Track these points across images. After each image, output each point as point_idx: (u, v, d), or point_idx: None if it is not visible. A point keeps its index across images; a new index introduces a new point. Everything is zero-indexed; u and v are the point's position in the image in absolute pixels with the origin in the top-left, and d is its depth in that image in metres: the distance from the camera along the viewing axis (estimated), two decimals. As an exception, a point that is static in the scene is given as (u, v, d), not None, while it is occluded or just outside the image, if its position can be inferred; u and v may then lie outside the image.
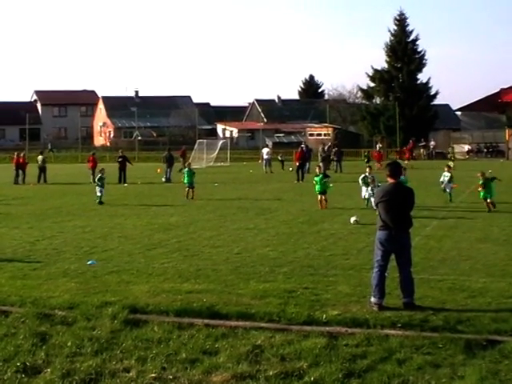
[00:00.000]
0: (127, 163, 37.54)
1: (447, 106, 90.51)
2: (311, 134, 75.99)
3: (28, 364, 7.33)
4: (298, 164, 36.90)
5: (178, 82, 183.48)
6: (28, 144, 69.67)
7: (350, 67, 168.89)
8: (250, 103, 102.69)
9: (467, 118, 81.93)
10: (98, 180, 26.04)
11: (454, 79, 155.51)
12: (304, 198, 26.28)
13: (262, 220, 19.78)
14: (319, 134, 74.16)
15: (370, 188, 21.45)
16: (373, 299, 9.38)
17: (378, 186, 19.60)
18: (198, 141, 60.15)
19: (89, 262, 13.13)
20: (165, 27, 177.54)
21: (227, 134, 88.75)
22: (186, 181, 27.53)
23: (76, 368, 7.21)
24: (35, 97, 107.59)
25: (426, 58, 75.33)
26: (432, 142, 64.27)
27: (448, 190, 23.86)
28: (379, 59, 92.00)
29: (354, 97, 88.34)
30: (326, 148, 43.59)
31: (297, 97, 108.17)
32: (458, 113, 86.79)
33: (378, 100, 78.12)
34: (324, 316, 8.74)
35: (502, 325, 8.30)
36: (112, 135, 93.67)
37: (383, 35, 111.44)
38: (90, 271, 12.24)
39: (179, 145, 57.32)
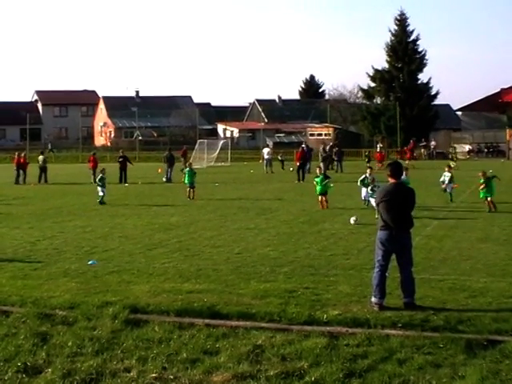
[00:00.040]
0: (128, 163, 37.54)
1: (448, 106, 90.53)
2: (312, 134, 75.95)
3: (29, 364, 7.34)
4: (298, 164, 36.88)
5: (178, 82, 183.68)
6: (29, 144, 69.69)
7: (350, 67, 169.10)
8: (250, 103, 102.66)
9: (468, 118, 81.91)
10: (99, 180, 26.05)
11: (454, 79, 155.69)
12: (305, 197, 26.28)
13: (263, 220, 19.79)
14: (320, 134, 74.14)
15: (369, 188, 21.40)
16: (373, 299, 9.38)
17: (378, 187, 19.62)
18: (198, 141, 60.15)
19: (89, 262, 13.14)
20: (165, 27, 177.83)
21: (228, 134, 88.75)
22: (186, 181, 27.54)
23: (77, 368, 7.22)
24: (36, 97, 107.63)
25: (426, 58, 75.42)
26: (433, 142, 64.25)
27: (448, 190, 23.87)
28: (380, 59, 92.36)
29: (355, 97, 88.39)
30: (327, 148, 43.59)
31: (297, 97, 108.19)
32: (459, 113, 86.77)
33: (378, 100, 78.14)
34: (325, 316, 8.74)
35: (503, 325, 8.30)
36: (113, 135, 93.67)
37: (384, 35, 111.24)
38: (90, 271, 12.24)
39: (180, 145, 57.34)
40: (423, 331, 8.14)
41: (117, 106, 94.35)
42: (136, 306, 9.31)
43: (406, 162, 44.51)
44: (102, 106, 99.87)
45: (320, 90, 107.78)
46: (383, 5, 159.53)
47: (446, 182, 24.06)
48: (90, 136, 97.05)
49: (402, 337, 7.98)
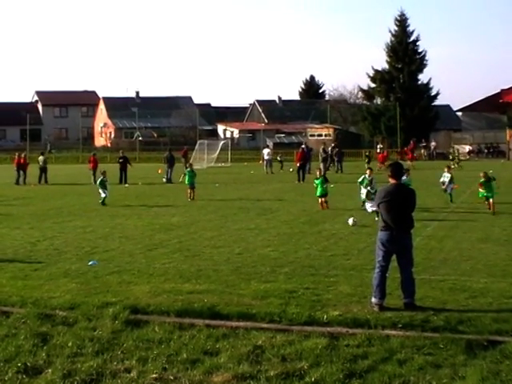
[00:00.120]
0: (128, 164, 37.48)
1: (448, 106, 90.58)
2: (312, 135, 75.97)
3: (29, 364, 7.34)
4: (298, 165, 36.88)
5: (178, 83, 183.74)
6: (29, 144, 69.71)
7: (350, 68, 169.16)
8: (250, 104, 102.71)
9: (468, 119, 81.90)
10: (100, 183, 25.93)
11: (454, 79, 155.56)
12: (305, 198, 26.28)
13: (263, 220, 19.79)
14: (320, 135, 74.15)
15: (366, 190, 21.16)
16: (374, 300, 9.38)
17: (374, 189, 19.56)
18: (198, 141, 60.17)
19: (90, 263, 13.14)
20: (165, 28, 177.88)
21: (228, 135, 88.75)
22: (187, 181, 27.56)
23: (77, 368, 7.22)
24: (36, 97, 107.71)
25: (426, 58, 75.58)
26: (433, 143, 64.25)
27: (448, 191, 23.87)
28: (380, 60, 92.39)
29: (355, 97, 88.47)
30: (328, 149, 43.58)
31: (297, 97, 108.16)
32: (459, 113, 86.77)
33: (378, 100, 78.23)
34: (325, 316, 8.74)
35: (503, 325, 8.30)
36: (113, 136, 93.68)
37: (384, 36, 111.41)
38: (91, 271, 12.24)
39: (180, 145, 57.34)
40: (423, 332, 8.14)
41: (117, 106, 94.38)
42: (136, 307, 9.31)
43: (408, 162, 44.45)
44: (102, 106, 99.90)
45: (320, 91, 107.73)
46: (383, 5, 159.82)
47: (446, 182, 24.06)
48: (90, 136, 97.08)
49: (402, 337, 7.98)
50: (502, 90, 73.12)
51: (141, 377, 7.02)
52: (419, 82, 75.76)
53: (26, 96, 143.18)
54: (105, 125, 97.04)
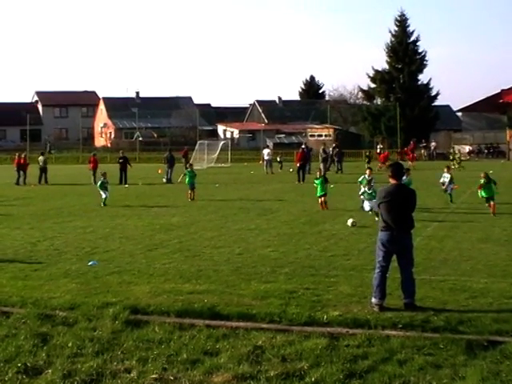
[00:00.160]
0: (127, 165, 37.46)
1: (448, 106, 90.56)
2: (312, 135, 75.93)
3: (29, 365, 7.34)
4: (298, 165, 36.87)
5: (178, 83, 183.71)
6: (29, 145, 69.69)
7: (350, 68, 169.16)
8: (250, 104, 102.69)
9: (468, 119, 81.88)
10: (101, 185, 25.86)
11: (454, 80, 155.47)
12: (305, 198, 26.28)
13: (264, 220, 19.79)
14: (320, 135, 74.12)
15: (365, 190, 21.08)
16: (374, 300, 9.38)
17: (373, 190, 19.55)
18: (198, 141, 60.15)
19: (90, 263, 13.14)
20: (165, 28, 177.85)
21: (228, 135, 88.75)
22: (187, 182, 27.55)
23: (77, 369, 7.22)
24: (36, 98, 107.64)
25: (426, 58, 75.54)
26: (433, 143, 64.24)
27: (448, 191, 23.87)
28: (380, 60, 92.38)
29: (355, 97, 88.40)
30: (329, 149, 43.58)
31: (297, 97, 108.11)
32: (459, 113, 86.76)
33: (378, 101, 78.21)
34: (325, 316, 8.74)
35: (504, 325, 8.30)
36: (113, 136, 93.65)
37: (384, 36, 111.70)
38: (91, 272, 12.24)
39: (180, 145, 57.32)
40: (424, 332, 8.14)
41: (117, 106, 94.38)
42: (136, 307, 9.31)
43: (409, 163, 44.42)
44: (102, 106, 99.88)
45: (320, 91, 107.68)
46: (383, 6, 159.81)
47: (446, 183, 24.06)
48: (90, 137, 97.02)
49: (402, 337, 7.98)
50: (502, 90, 73.24)
51: (141, 377, 7.02)
52: (419, 82, 75.75)
53: (26, 96, 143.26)
54: (105, 125, 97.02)
